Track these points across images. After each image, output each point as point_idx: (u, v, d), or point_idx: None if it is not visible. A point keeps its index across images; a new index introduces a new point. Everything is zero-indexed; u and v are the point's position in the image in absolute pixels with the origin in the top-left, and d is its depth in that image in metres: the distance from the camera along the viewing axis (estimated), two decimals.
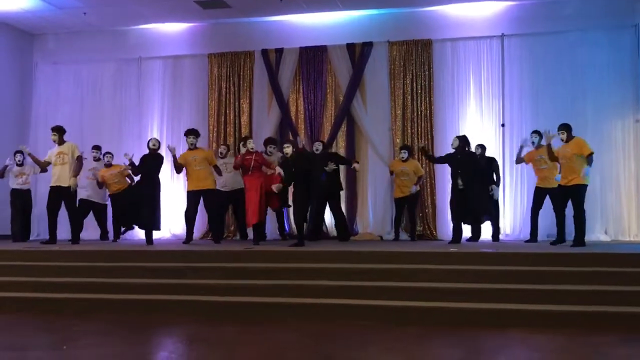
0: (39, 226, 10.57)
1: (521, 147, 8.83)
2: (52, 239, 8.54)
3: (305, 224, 8.04)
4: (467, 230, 8.62)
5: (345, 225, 9.46)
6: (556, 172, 7.99)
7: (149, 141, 8.76)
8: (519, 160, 8.86)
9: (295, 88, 10.69)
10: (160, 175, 8.69)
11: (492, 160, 9.11)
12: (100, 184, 9.48)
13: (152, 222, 8.47)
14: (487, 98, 10.02)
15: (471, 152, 8.39)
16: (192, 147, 8.78)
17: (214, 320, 5.57)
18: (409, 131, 10.22)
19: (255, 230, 8.35)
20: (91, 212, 9.74)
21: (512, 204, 9.77)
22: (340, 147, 10.49)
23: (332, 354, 4.33)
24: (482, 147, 9.05)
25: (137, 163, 8.59)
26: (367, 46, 10.35)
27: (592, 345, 4.56)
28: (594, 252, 6.53)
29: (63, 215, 8.70)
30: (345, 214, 9.69)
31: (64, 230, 9.22)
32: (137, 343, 4.87)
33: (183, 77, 11.10)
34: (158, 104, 11.13)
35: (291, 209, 9.32)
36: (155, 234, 8.77)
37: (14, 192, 9.70)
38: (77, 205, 8.98)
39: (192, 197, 8.69)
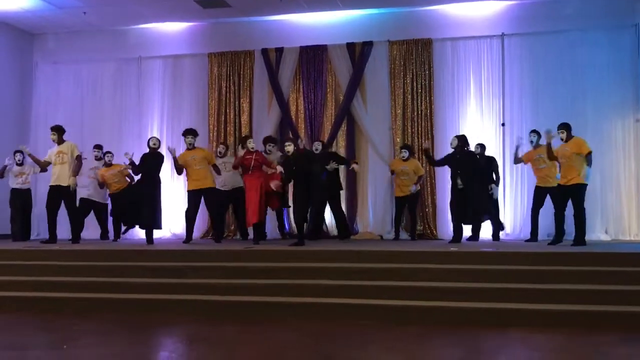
0: (39, 226, 10.58)
1: (517, 147, 8.83)
2: (52, 238, 8.55)
3: (305, 223, 8.03)
4: (467, 230, 8.61)
5: (346, 224, 9.44)
6: (555, 172, 7.99)
7: (149, 140, 8.75)
8: (517, 160, 8.85)
9: (295, 87, 10.69)
10: (161, 174, 8.69)
11: (492, 160, 9.11)
12: (101, 184, 9.48)
13: (152, 221, 8.47)
14: (487, 97, 10.03)
15: (470, 151, 8.40)
16: (191, 147, 8.79)
17: (214, 320, 5.56)
18: (409, 130, 10.22)
19: (255, 230, 8.34)
20: (92, 212, 9.74)
21: (512, 203, 9.77)
22: (340, 146, 10.49)
23: (332, 354, 4.33)
24: (481, 147, 9.05)
25: (137, 162, 8.59)
26: (367, 45, 10.35)
27: (592, 344, 4.56)
28: (594, 251, 6.53)
29: (63, 214, 8.71)
30: (345, 213, 9.69)
31: (64, 229, 9.23)
32: (137, 342, 4.87)
33: (183, 76, 11.09)
34: (158, 104, 11.13)
35: (291, 209, 9.31)
36: (156, 234, 8.76)
37: (14, 191, 9.70)
38: (77, 204, 8.99)
39: (193, 197, 8.71)
